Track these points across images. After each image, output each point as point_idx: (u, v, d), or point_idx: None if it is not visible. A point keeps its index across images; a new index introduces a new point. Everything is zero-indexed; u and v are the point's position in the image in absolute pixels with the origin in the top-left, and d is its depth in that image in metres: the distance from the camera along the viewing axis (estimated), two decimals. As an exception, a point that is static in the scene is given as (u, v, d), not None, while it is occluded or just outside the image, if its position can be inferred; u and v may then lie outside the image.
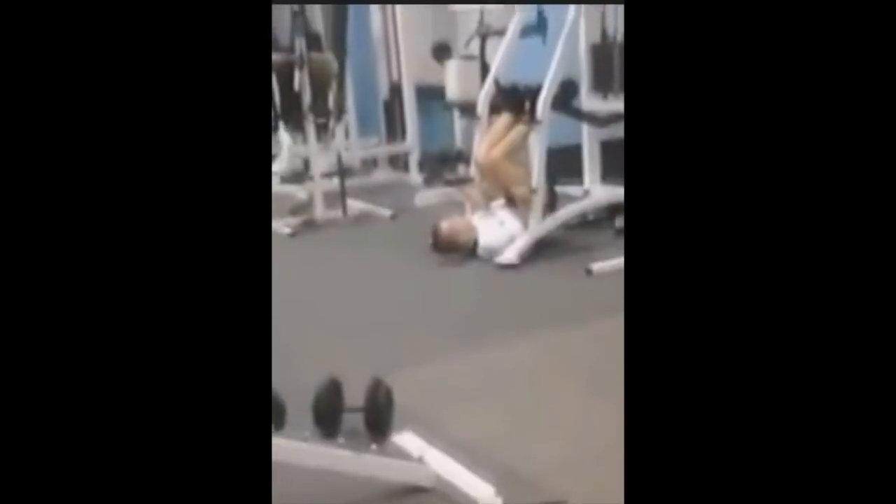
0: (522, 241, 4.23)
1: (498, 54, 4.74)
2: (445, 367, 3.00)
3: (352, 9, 5.97)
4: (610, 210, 4.63)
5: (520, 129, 4.43)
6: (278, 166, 5.61)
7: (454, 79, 5.70)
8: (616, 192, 4.54)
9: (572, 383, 2.81)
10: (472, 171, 4.74)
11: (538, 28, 4.87)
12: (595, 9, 4.58)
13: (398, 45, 6.36)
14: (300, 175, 5.49)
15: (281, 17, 5.44)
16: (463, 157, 5.17)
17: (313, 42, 5.61)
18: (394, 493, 2.14)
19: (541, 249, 4.29)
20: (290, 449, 1.97)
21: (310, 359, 3.01)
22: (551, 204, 4.49)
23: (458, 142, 5.90)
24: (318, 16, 5.91)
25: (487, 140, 4.55)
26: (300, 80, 5.25)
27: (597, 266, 3.93)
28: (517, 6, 4.77)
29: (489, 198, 4.55)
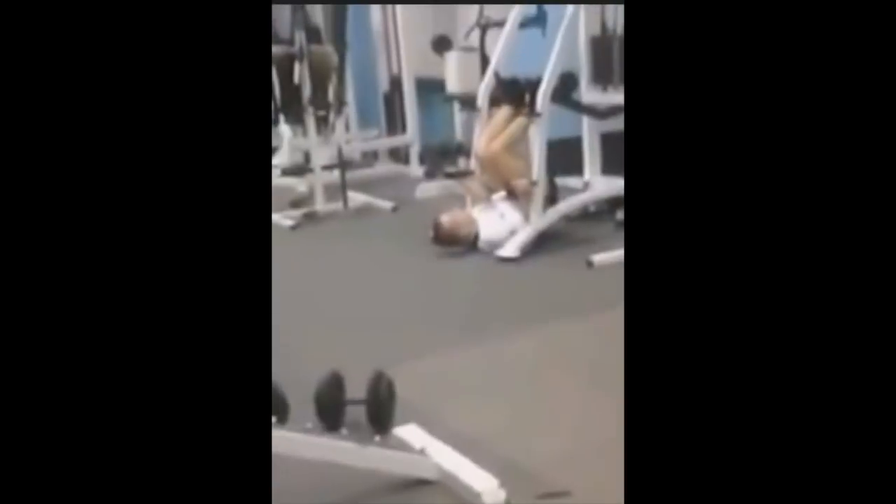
0: (523, 234, 4.23)
1: (497, 47, 4.73)
2: (447, 360, 3.00)
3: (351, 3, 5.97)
4: (610, 202, 4.63)
5: (520, 121, 4.42)
6: (279, 159, 5.61)
7: (454, 71, 5.69)
8: (616, 185, 4.54)
9: (574, 376, 2.81)
10: (473, 163, 4.73)
11: (538, 20, 4.87)
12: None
13: (398, 37, 6.35)
14: (301, 168, 5.48)
15: (281, 9, 5.43)
16: (463, 149, 5.16)
17: (313, 35, 5.60)
18: (396, 485, 2.15)
19: (542, 242, 4.29)
20: (293, 441, 1.98)
21: (311, 352, 3.02)
22: (552, 196, 4.49)
23: (459, 134, 5.89)
24: (317, 8, 5.90)
25: (487, 133, 4.55)
26: (300, 72, 5.24)
27: (598, 258, 3.94)
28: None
29: (490, 190, 4.55)
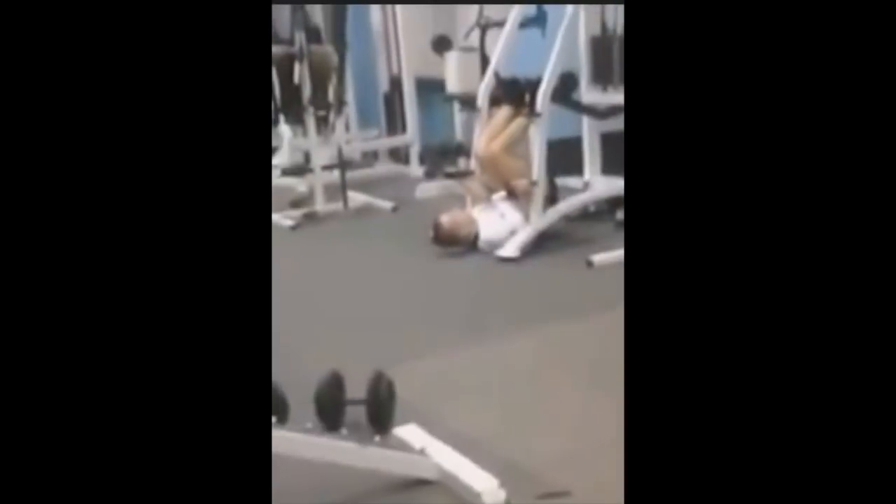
0: (523, 235, 4.23)
1: (497, 47, 4.73)
2: (447, 360, 3.00)
3: (351, 3, 5.97)
4: (610, 202, 4.63)
5: (519, 121, 4.42)
6: (279, 159, 5.61)
7: (454, 71, 5.69)
8: (616, 185, 4.54)
9: (574, 376, 2.81)
10: (473, 163, 4.74)
11: (538, 20, 4.87)
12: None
13: (398, 37, 6.35)
14: (301, 168, 5.48)
15: (281, 9, 5.43)
16: (463, 149, 5.16)
17: (313, 35, 5.60)
18: (396, 485, 2.15)
19: (542, 241, 4.29)
20: (293, 441, 1.98)
21: (311, 352, 3.02)
22: (552, 196, 4.49)
23: (459, 134, 5.89)
24: (317, 9, 5.90)
25: (487, 133, 4.55)
26: (300, 73, 5.24)
27: (598, 258, 3.94)
28: (516, -1, 4.77)
29: (490, 190, 4.55)
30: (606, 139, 4.83)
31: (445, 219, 4.34)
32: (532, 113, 4.27)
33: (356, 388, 2.43)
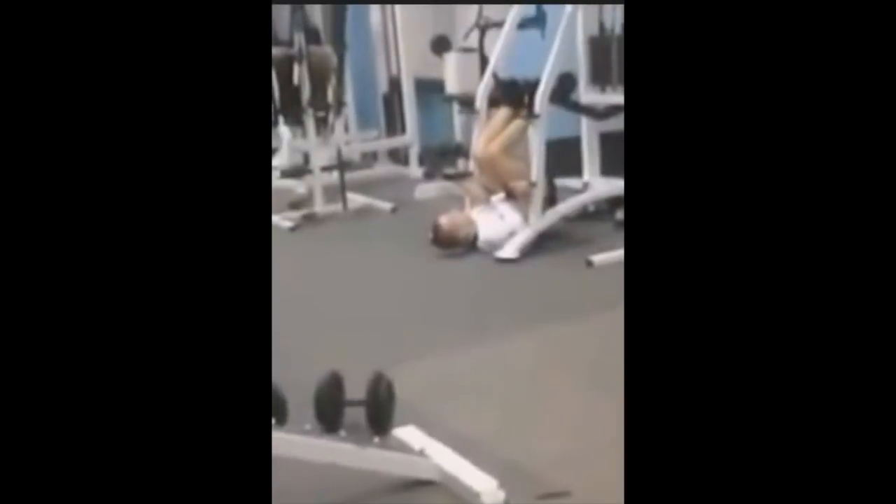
0: (522, 236, 4.23)
1: (496, 48, 4.73)
2: (446, 361, 3.00)
3: (351, 4, 5.96)
4: (610, 202, 4.63)
5: (518, 123, 4.42)
6: (278, 161, 5.61)
7: (453, 72, 5.69)
8: (616, 185, 4.54)
9: (573, 377, 2.81)
10: (471, 165, 4.74)
11: (537, 21, 4.86)
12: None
13: (397, 38, 6.35)
14: (300, 169, 5.48)
15: (280, 10, 5.43)
16: (462, 150, 5.16)
17: (312, 36, 5.60)
18: (396, 486, 2.14)
19: (541, 242, 4.29)
20: (292, 443, 1.98)
21: (311, 353, 3.02)
22: (551, 197, 4.49)
23: (458, 135, 5.89)
24: (316, 10, 5.90)
25: (486, 134, 4.55)
26: (299, 74, 5.24)
27: (597, 258, 3.94)
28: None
29: (489, 192, 4.55)
30: (605, 139, 4.83)
31: (444, 220, 4.33)
32: (530, 114, 4.27)
33: (355, 389, 2.43)
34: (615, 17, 4.51)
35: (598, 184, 4.78)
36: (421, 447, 2.24)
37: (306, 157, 5.52)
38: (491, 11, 5.33)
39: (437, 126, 6.26)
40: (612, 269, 3.74)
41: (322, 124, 5.44)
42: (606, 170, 4.84)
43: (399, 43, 6.30)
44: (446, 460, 2.17)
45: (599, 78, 4.65)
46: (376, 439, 2.26)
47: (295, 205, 5.46)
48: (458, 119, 5.94)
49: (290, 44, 5.31)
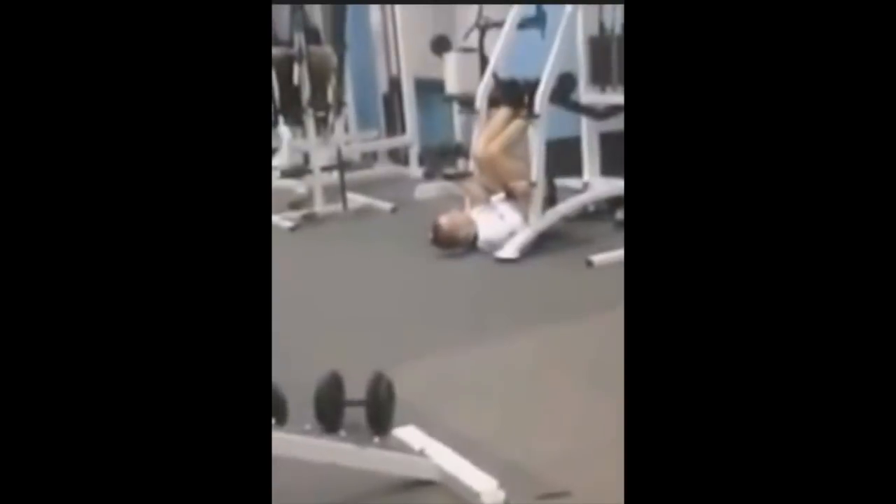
0: (522, 236, 4.23)
1: (496, 48, 4.73)
2: (446, 361, 3.00)
3: (351, 4, 5.96)
4: (610, 202, 4.63)
5: (518, 123, 4.42)
6: (278, 161, 5.61)
7: (453, 72, 5.69)
8: (616, 185, 4.54)
9: (573, 377, 2.81)
10: (471, 165, 4.74)
11: (537, 21, 4.86)
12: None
13: (397, 38, 6.35)
14: (300, 169, 5.48)
15: (280, 11, 5.43)
16: (462, 150, 5.16)
17: (312, 36, 5.60)
18: (396, 486, 2.14)
19: (541, 242, 4.29)
20: (292, 443, 1.98)
21: (311, 353, 3.01)
22: (551, 197, 4.49)
23: (458, 135, 5.89)
24: (316, 10, 5.90)
25: (485, 134, 4.55)
26: (299, 74, 5.24)
27: (597, 258, 3.94)
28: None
29: (489, 192, 4.55)
30: (605, 139, 4.83)
31: (444, 220, 4.33)
32: (530, 114, 4.27)
33: (355, 389, 2.43)
34: (615, 16, 4.51)
35: (598, 184, 4.78)
36: (421, 447, 2.24)
37: (306, 157, 5.52)
38: (491, 11, 5.33)
39: (437, 126, 6.26)
40: (612, 269, 3.74)
41: (322, 124, 5.44)
42: (606, 170, 4.84)
43: (399, 43, 6.30)
44: (446, 460, 2.17)
45: (599, 78, 4.65)
46: (376, 439, 2.26)
47: (295, 205, 5.46)
48: (458, 119, 5.94)
49: (290, 44, 5.31)
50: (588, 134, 4.87)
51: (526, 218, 4.31)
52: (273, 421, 2.17)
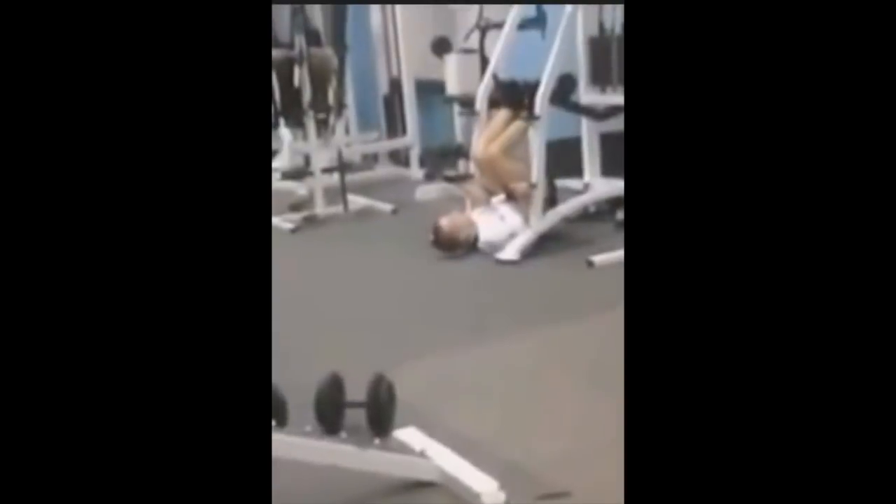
0: (523, 237, 4.23)
1: (496, 49, 4.73)
2: (447, 362, 3.00)
3: (351, 4, 5.96)
4: (610, 202, 4.63)
5: (518, 124, 4.42)
6: (279, 162, 5.61)
7: (454, 73, 5.69)
8: (617, 185, 4.54)
9: (574, 377, 2.81)
10: (472, 166, 4.73)
11: (537, 21, 4.86)
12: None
13: (397, 39, 6.35)
14: (301, 171, 5.48)
15: (280, 12, 5.43)
16: (463, 151, 5.16)
17: (313, 38, 5.60)
18: (396, 488, 2.14)
19: (542, 242, 4.29)
20: (292, 445, 1.98)
21: (311, 354, 3.02)
22: (551, 198, 4.49)
23: (459, 136, 5.89)
24: (317, 11, 5.90)
25: (485, 135, 4.55)
26: (300, 76, 5.24)
27: (598, 258, 3.94)
28: (515, 1, 4.76)
29: (489, 193, 4.55)
30: (606, 140, 4.82)
31: (445, 222, 4.34)
32: (531, 116, 4.27)
33: (356, 391, 2.43)
34: (615, 17, 4.51)
35: (599, 184, 4.78)
36: (421, 448, 2.24)
37: (307, 159, 5.52)
38: (492, 12, 5.33)
39: (437, 127, 6.26)
40: (613, 270, 3.74)
41: (323, 126, 5.44)
42: (607, 170, 4.84)
43: (400, 44, 6.30)
44: (447, 461, 2.17)
45: (599, 78, 4.65)
46: (377, 441, 2.26)
47: (296, 206, 5.46)
48: (458, 120, 5.94)
49: (290, 46, 5.31)
50: (588, 134, 4.86)
51: (526, 219, 4.31)
52: (273, 422, 2.17)
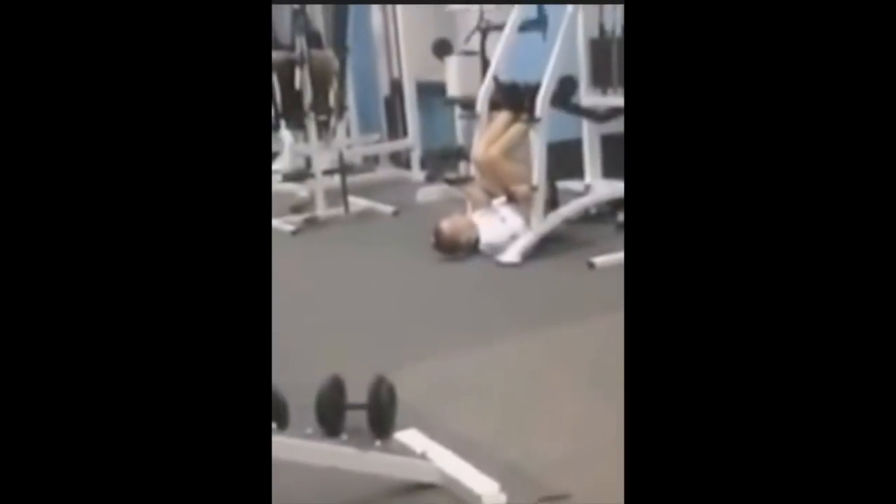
0: (524, 240, 4.23)
1: (497, 51, 4.73)
2: (448, 363, 3.00)
3: (352, 6, 5.96)
4: (611, 204, 4.63)
5: (518, 126, 4.42)
6: (280, 165, 5.61)
7: (455, 75, 5.69)
8: (617, 187, 4.53)
9: (574, 379, 2.81)
10: (472, 169, 4.73)
11: (538, 23, 4.86)
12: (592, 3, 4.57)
13: (398, 41, 6.35)
14: (302, 173, 5.48)
15: (281, 15, 5.43)
16: (464, 153, 5.16)
17: (313, 40, 5.60)
18: (397, 490, 2.14)
19: (543, 244, 4.28)
20: (293, 447, 1.98)
21: (312, 356, 3.02)
22: (552, 201, 4.49)
23: (460, 138, 5.89)
24: (318, 13, 5.90)
25: (486, 138, 4.55)
26: (301, 78, 5.24)
27: (599, 260, 3.94)
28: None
29: (490, 195, 4.54)
30: (607, 141, 4.82)
31: (446, 225, 4.34)
32: (531, 118, 4.27)
33: (357, 393, 2.43)
34: (615, 18, 4.51)
35: (600, 186, 4.77)
36: (422, 450, 2.24)
37: (308, 161, 5.52)
38: (492, 13, 5.33)
39: (438, 129, 6.26)
40: (614, 271, 3.73)
41: (323, 128, 5.43)
42: (608, 172, 4.84)
43: (400, 46, 6.30)
44: (448, 463, 2.17)
45: (600, 80, 4.65)
46: (378, 443, 2.26)
47: (296, 208, 5.46)
48: (459, 122, 5.94)
49: (291, 48, 5.31)
50: (589, 136, 4.86)
51: (527, 221, 4.31)
52: (274, 425, 2.17)
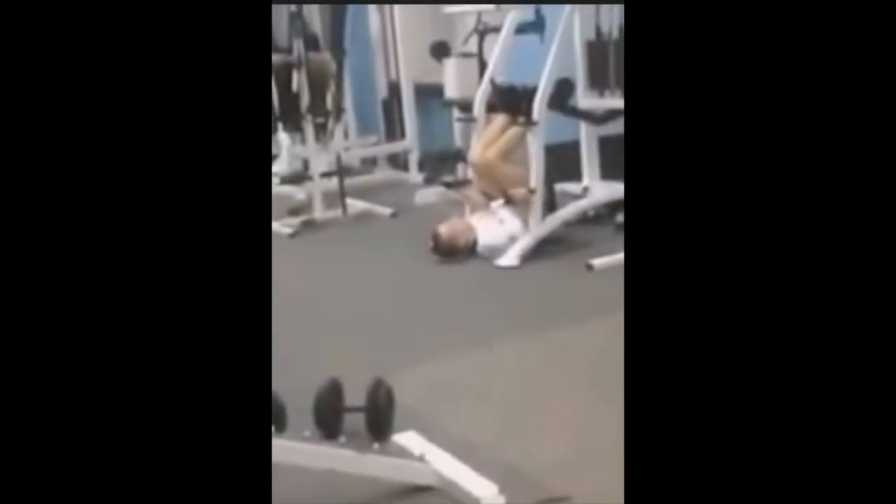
0: (523, 243, 4.23)
1: (494, 53, 4.73)
2: (446, 366, 3.00)
3: (350, 8, 5.96)
4: (610, 205, 4.63)
5: (516, 129, 4.42)
6: (278, 167, 5.61)
7: (453, 77, 5.69)
8: (616, 189, 4.54)
9: (573, 381, 2.81)
10: (470, 171, 4.74)
11: (536, 26, 4.86)
12: (589, 5, 4.57)
13: (396, 43, 6.36)
14: (300, 175, 5.48)
15: (279, 17, 5.43)
16: (462, 155, 5.16)
17: (311, 42, 5.60)
18: (395, 492, 2.14)
19: (541, 246, 4.28)
20: (292, 449, 1.98)
21: (310, 359, 3.01)
22: (551, 203, 4.49)
23: (458, 140, 5.89)
24: (315, 16, 5.90)
25: (483, 140, 4.55)
26: (298, 80, 5.24)
27: (598, 262, 3.94)
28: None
29: (488, 198, 4.54)
30: (604, 143, 4.83)
31: (444, 229, 4.34)
32: (529, 121, 4.27)
33: (355, 396, 2.42)
34: (612, 20, 4.51)
35: (598, 188, 4.78)
36: (421, 453, 2.24)
37: (306, 164, 5.52)
38: (490, 16, 5.33)
39: (436, 131, 6.26)
40: (613, 273, 3.74)
41: (321, 130, 5.44)
42: (606, 174, 4.84)
43: (398, 48, 6.30)
44: (446, 466, 2.17)
45: (597, 82, 4.65)
46: (376, 445, 2.26)
47: (294, 211, 5.46)
48: (457, 124, 5.94)
49: (289, 51, 5.31)
50: (587, 138, 4.87)
51: (526, 223, 4.31)
52: (273, 427, 2.17)
